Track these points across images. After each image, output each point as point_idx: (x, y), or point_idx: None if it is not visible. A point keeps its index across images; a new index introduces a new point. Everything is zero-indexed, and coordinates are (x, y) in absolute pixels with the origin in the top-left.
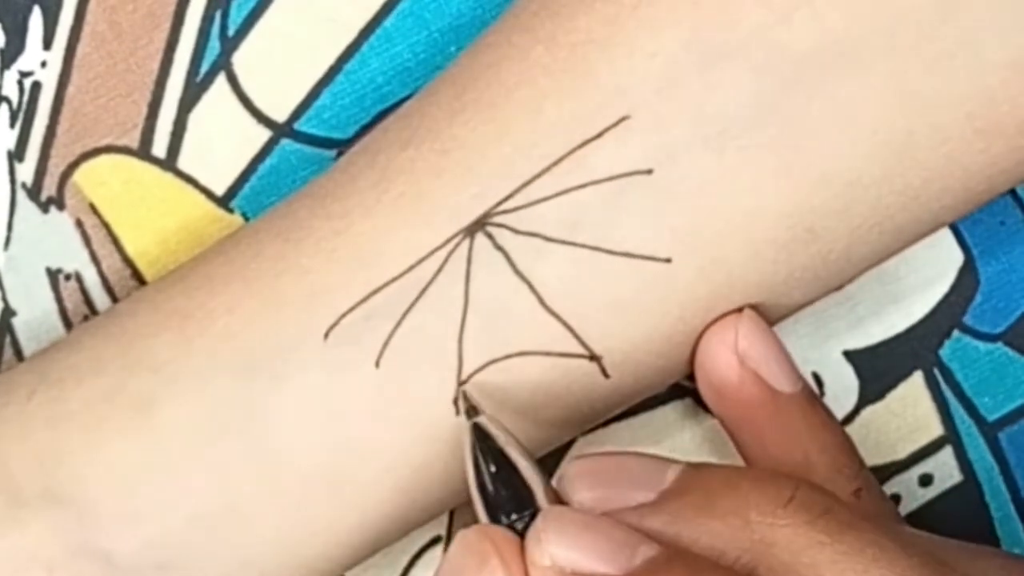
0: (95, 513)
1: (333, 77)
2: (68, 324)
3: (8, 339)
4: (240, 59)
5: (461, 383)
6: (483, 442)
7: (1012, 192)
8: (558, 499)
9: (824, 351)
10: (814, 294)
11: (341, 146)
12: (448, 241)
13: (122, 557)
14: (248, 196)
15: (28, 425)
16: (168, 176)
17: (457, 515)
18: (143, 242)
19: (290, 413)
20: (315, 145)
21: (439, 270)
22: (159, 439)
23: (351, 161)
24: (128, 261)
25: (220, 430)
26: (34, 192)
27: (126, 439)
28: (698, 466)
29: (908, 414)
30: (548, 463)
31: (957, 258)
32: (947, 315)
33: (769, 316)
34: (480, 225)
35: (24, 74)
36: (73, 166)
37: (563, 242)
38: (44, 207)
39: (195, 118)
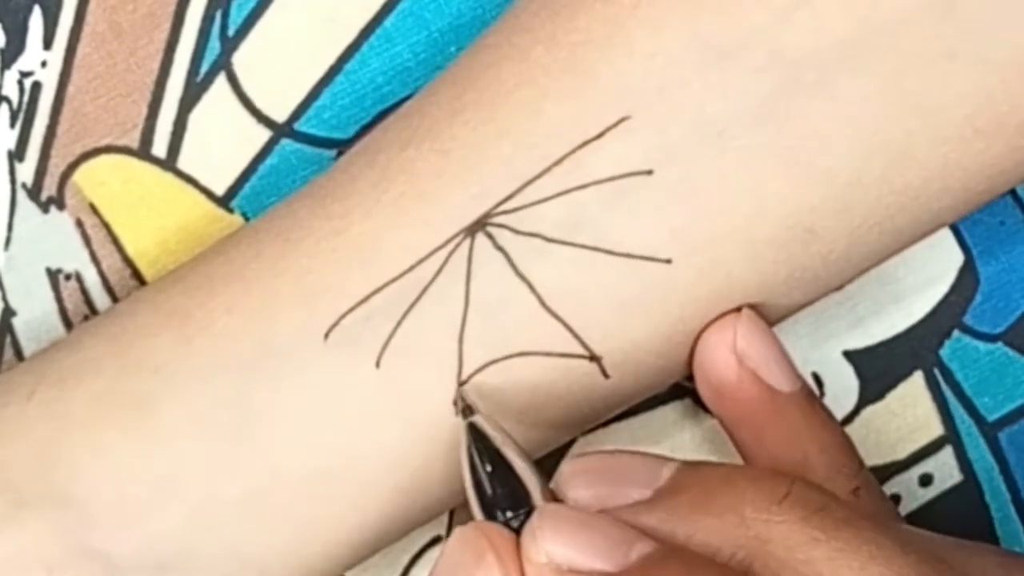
0: (95, 513)
1: (333, 77)
2: (68, 324)
3: (8, 339)
4: (240, 59)
5: (461, 383)
6: (479, 441)
7: (1012, 192)
8: (554, 498)
9: (824, 351)
10: (814, 294)
11: (341, 146)
12: (448, 241)
13: (122, 557)
14: (248, 196)
15: (28, 425)
16: (168, 176)
17: (457, 515)
18: (143, 242)
19: (290, 413)
20: (315, 145)
21: (439, 270)
22: (159, 439)
23: (351, 161)
24: (128, 261)
25: (220, 430)
26: (34, 192)
27: (126, 439)
28: (694, 464)
29: (908, 414)
30: (547, 463)
31: (957, 258)
32: (947, 315)
33: (769, 316)
34: (480, 225)
35: (24, 74)
36: (73, 166)
37: (563, 242)
38: (44, 207)
39: (195, 118)
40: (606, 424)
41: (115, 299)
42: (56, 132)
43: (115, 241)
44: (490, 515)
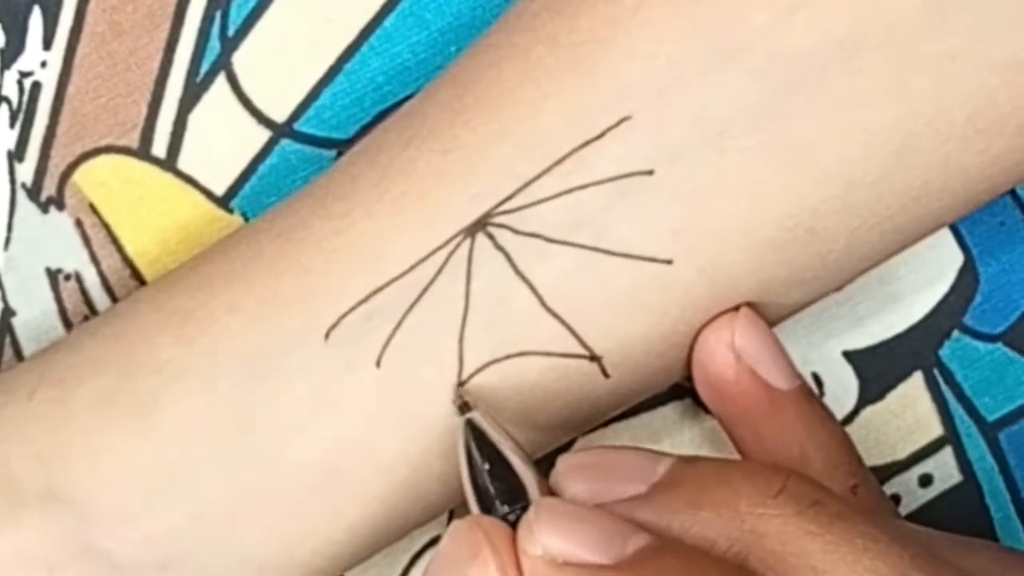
0: (96, 513)
1: (333, 77)
2: (68, 324)
3: (8, 339)
4: (240, 59)
5: (461, 383)
6: (477, 437)
7: (1012, 192)
8: (551, 493)
9: (824, 351)
10: (814, 294)
11: (341, 146)
12: (449, 241)
13: (123, 556)
14: (248, 196)
15: (28, 425)
16: (168, 176)
17: (457, 515)
18: (143, 242)
19: (291, 413)
20: (315, 145)
21: (440, 270)
22: (160, 439)
23: (351, 161)
24: (128, 261)
25: (221, 429)
26: (34, 192)
27: (127, 439)
28: (689, 459)
29: (908, 414)
30: (546, 463)
31: (957, 258)
32: (947, 315)
33: (769, 316)
34: (481, 225)
35: (24, 74)
36: (73, 166)
37: (564, 243)
38: (44, 207)
39: (195, 118)
40: (606, 424)
41: (115, 299)
42: (56, 132)
43: (115, 241)
44: (487, 510)
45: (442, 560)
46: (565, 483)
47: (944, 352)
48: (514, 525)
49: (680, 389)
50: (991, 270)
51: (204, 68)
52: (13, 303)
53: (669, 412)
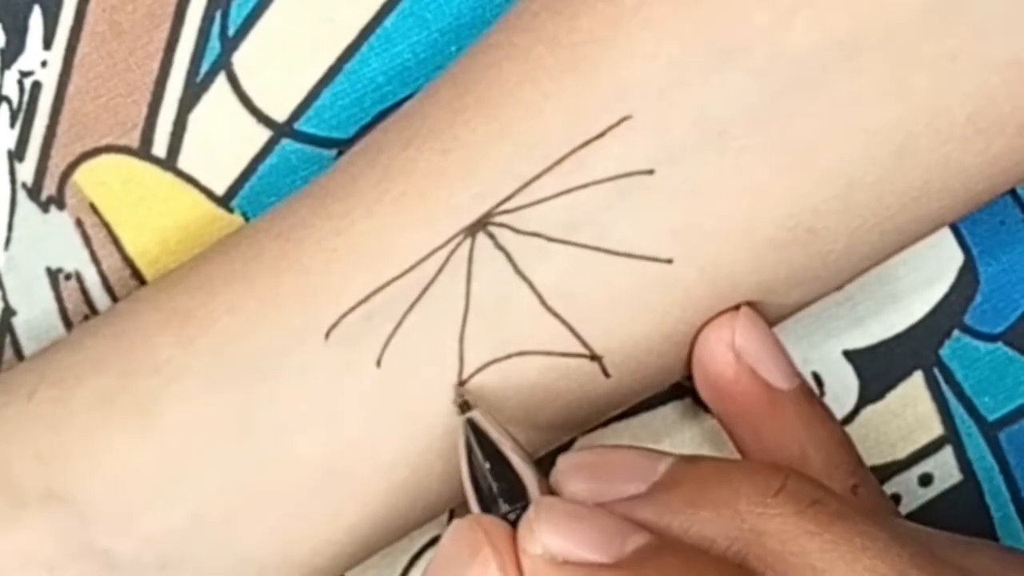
0: (96, 513)
1: (333, 77)
2: (68, 324)
3: (8, 339)
4: (240, 59)
5: (462, 383)
6: (477, 436)
7: (1012, 192)
8: (551, 492)
9: (824, 351)
10: (814, 294)
11: (341, 146)
12: (449, 241)
13: (123, 556)
14: (248, 196)
15: (29, 425)
16: (168, 176)
17: (457, 515)
18: (143, 242)
19: (291, 413)
20: (315, 145)
21: (440, 270)
22: (160, 439)
23: (352, 161)
24: (128, 261)
25: (221, 429)
26: (34, 192)
27: (127, 439)
28: (689, 458)
29: (908, 414)
30: (546, 462)
31: (957, 258)
32: (947, 315)
33: (769, 316)
34: (481, 225)
35: (24, 74)
36: (73, 166)
37: (564, 242)
38: (44, 207)
39: (195, 118)
40: (606, 424)
41: (115, 299)
42: (56, 132)
43: (115, 241)
44: (487, 509)
45: (442, 559)
46: (565, 482)
47: (944, 352)
48: (514, 524)
49: (680, 388)
50: (991, 270)
51: (204, 68)
52: (13, 303)
53: (669, 411)
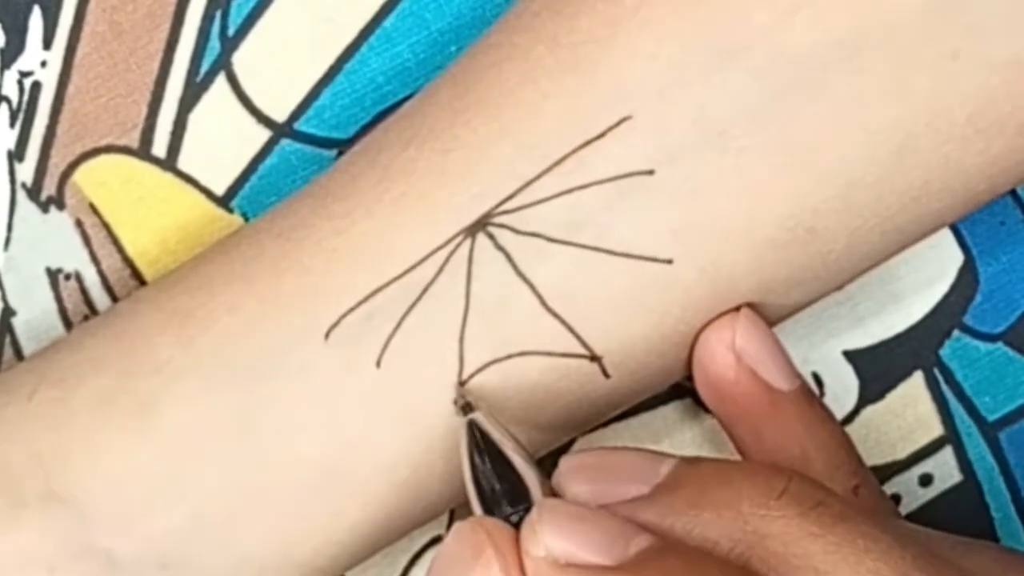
0: (96, 513)
1: (333, 77)
2: (68, 324)
3: (8, 339)
4: (240, 59)
5: (462, 383)
6: (479, 438)
7: (1012, 192)
8: (554, 494)
9: (824, 351)
10: (814, 294)
11: (341, 146)
12: (449, 241)
13: (123, 556)
14: (248, 196)
15: (29, 425)
16: (168, 176)
17: (457, 515)
18: (143, 242)
19: (291, 413)
20: (315, 145)
21: (440, 270)
22: (160, 439)
23: (352, 161)
24: (128, 261)
25: (221, 429)
26: (34, 192)
27: (127, 439)
28: (692, 460)
29: (908, 414)
30: (547, 463)
31: (957, 258)
32: (947, 315)
33: (769, 316)
34: (481, 225)
35: (24, 74)
36: (73, 166)
37: (564, 242)
38: (44, 207)
39: (195, 118)
40: (606, 424)
41: (115, 299)
42: (56, 132)
43: (115, 241)
44: (489, 511)
45: (445, 560)
46: (567, 484)
47: (944, 352)
48: (517, 526)
49: (680, 389)
50: (991, 270)
51: (204, 68)
52: (13, 303)
53: (670, 412)
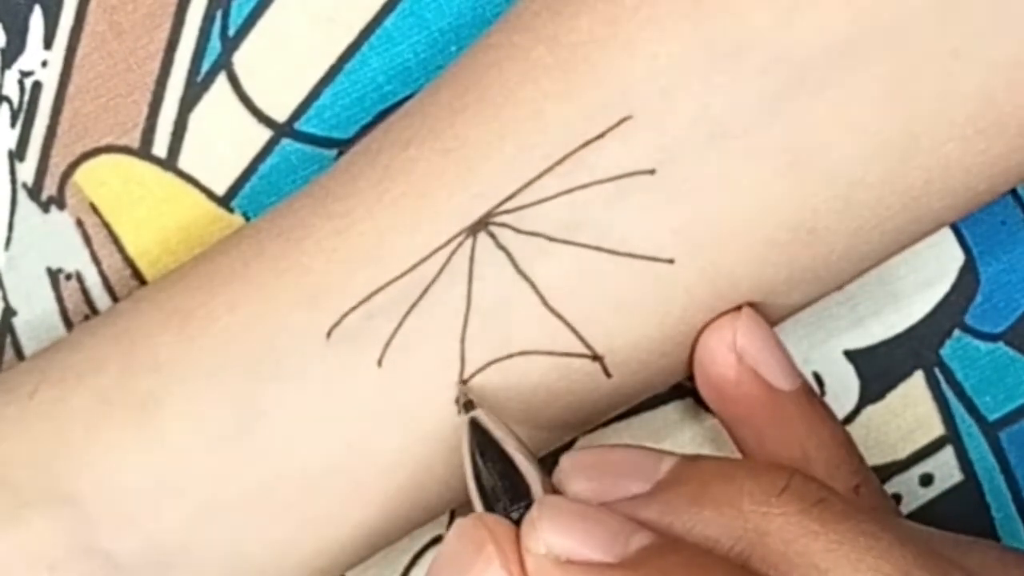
0: (96, 512)
1: (334, 77)
2: (69, 324)
3: (9, 339)
4: (241, 59)
5: (463, 382)
6: (480, 436)
7: (1012, 192)
8: (555, 491)
9: (825, 351)
10: (815, 294)
11: (342, 146)
12: (450, 241)
13: (123, 556)
14: (249, 196)
15: (29, 424)
16: (168, 176)
17: (458, 515)
18: (143, 242)
19: (291, 412)
20: (316, 145)
21: (441, 270)
22: (160, 438)
23: (352, 161)
24: (128, 261)
25: (222, 429)
26: (35, 192)
27: (127, 438)
28: (692, 457)
29: (909, 414)
30: (548, 462)
31: (958, 258)
32: (948, 315)
33: (770, 316)
34: (482, 225)
35: (25, 74)
36: (74, 166)
37: (565, 242)
38: (45, 207)
39: (196, 118)
40: (607, 424)
41: (115, 299)
42: (56, 132)
43: (115, 241)
44: (491, 508)
45: (446, 557)
46: (568, 481)
47: (945, 351)
48: (518, 523)
49: (681, 388)
50: (992, 269)
51: (205, 68)
52: (14, 303)
53: (670, 411)
